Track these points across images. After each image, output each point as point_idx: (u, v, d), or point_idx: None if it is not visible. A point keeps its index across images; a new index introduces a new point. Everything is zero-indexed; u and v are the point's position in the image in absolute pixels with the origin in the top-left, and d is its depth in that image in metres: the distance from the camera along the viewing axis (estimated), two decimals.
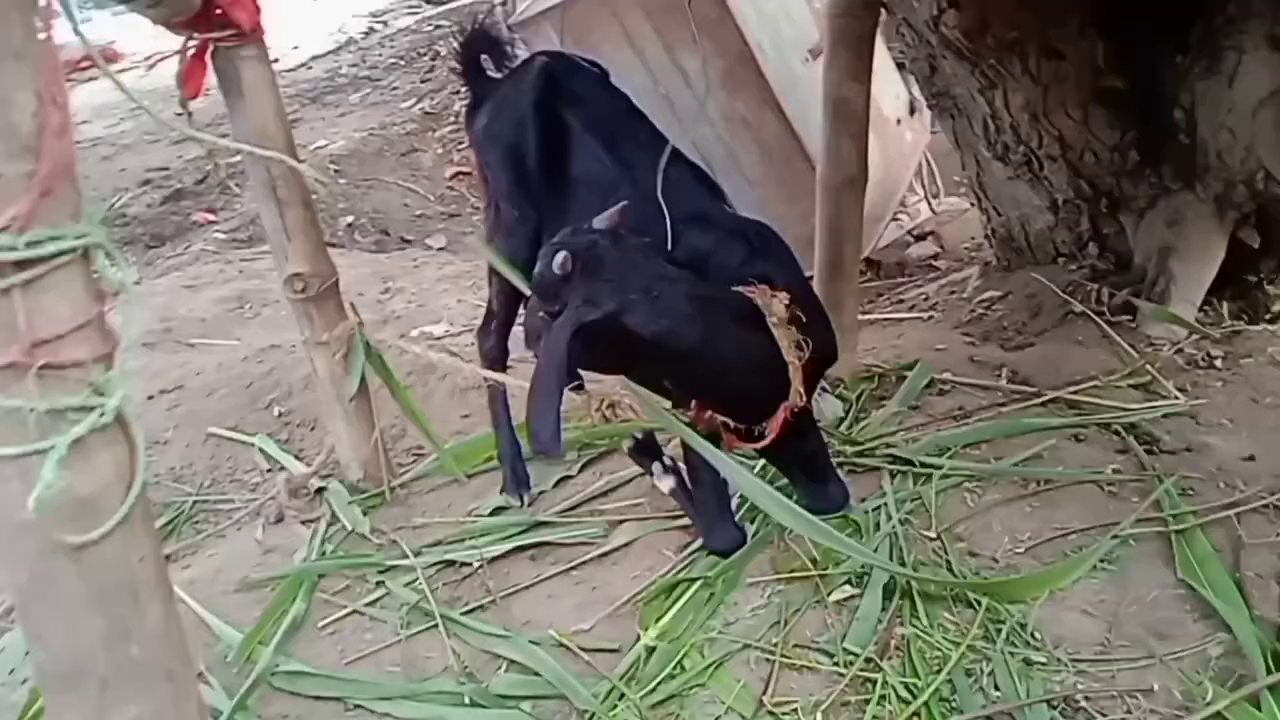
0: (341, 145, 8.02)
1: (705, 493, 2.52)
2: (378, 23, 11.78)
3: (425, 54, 10.28)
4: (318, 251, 2.86)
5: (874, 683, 2.07)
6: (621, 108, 2.81)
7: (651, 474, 2.69)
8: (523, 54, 3.08)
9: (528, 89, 2.72)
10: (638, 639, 2.23)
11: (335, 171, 7.55)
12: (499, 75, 3.00)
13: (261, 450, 3.43)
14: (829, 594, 2.33)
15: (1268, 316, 3.64)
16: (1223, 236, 3.48)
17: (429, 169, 7.94)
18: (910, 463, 2.76)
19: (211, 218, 6.95)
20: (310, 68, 10.33)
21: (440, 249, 6.86)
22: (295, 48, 10.89)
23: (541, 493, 2.92)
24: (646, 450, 2.72)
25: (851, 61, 3.13)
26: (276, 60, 10.57)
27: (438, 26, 10.98)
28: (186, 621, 2.53)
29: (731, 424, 2.36)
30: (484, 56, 3.00)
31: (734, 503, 2.60)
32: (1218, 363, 3.22)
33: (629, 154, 2.62)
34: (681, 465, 2.66)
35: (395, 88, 9.51)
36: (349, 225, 6.98)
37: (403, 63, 10.10)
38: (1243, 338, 3.37)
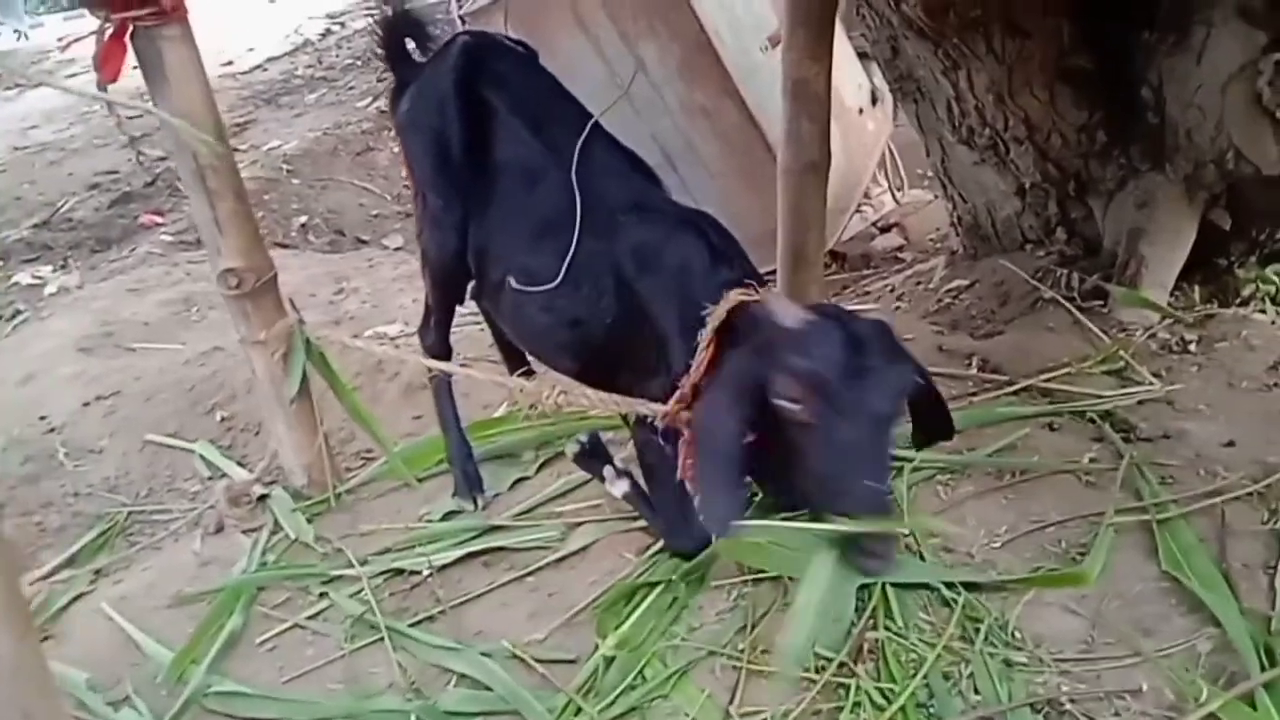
0: (295, 145, 7.84)
1: (664, 493, 2.38)
2: (335, 24, 11.57)
3: (439, 27, 10.11)
4: (253, 245, 2.71)
5: (847, 689, 1.95)
6: (547, 88, 2.69)
7: (603, 479, 2.56)
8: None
9: (448, 71, 2.60)
10: (595, 648, 2.10)
11: (288, 172, 7.39)
12: (424, 59, 2.85)
13: (202, 457, 3.28)
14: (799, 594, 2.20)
15: (1240, 300, 3.57)
16: (1193, 218, 3.39)
17: (385, 168, 7.75)
18: None
19: (159, 220, 6.74)
20: (266, 69, 10.14)
21: (397, 249, 6.68)
22: (251, 50, 10.69)
23: (496, 495, 2.78)
24: (594, 454, 2.60)
25: (810, 41, 3.00)
26: (230, 63, 10.37)
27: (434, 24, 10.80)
28: (115, 641, 2.39)
29: None
30: (408, 41, 2.87)
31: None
32: (1192, 347, 3.13)
33: (556, 137, 2.50)
34: (634, 468, 2.54)
35: (351, 88, 9.32)
36: (302, 225, 6.81)
37: (359, 63, 9.90)
38: (1216, 321, 3.29)
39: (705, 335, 2.08)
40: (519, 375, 2.76)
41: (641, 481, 2.47)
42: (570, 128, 2.49)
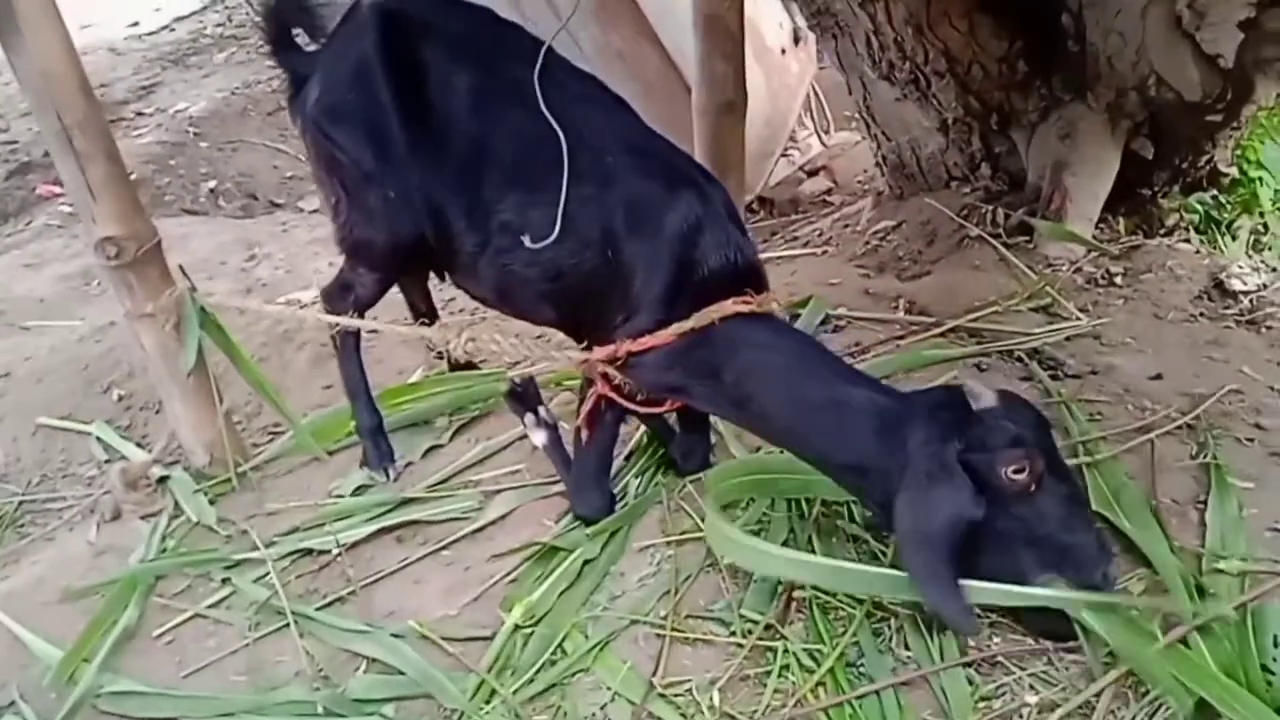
0: (202, 107, 7.52)
1: (584, 454, 2.28)
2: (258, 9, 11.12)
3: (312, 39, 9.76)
4: (131, 211, 2.51)
5: (775, 652, 1.87)
6: (484, 22, 2.36)
7: (524, 424, 2.45)
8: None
9: (364, 39, 2.27)
10: (515, 625, 1.99)
11: (195, 135, 7.08)
12: (317, 46, 2.51)
13: (98, 439, 3.09)
14: (722, 555, 2.11)
15: (1164, 229, 3.54)
16: (1116, 149, 3.34)
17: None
18: None
19: (58, 190, 6.39)
20: (173, 29, 9.68)
21: (313, 211, 6.43)
22: (158, 10, 10.20)
23: (409, 464, 2.65)
24: (522, 398, 2.46)
25: None
26: (137, 24, 9.89)
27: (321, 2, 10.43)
28: (1, 641, 2.23)
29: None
30: (294, 30, 2.52)
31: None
32: (1118, 280, 3.10)
33: (515, 73, 2.18)
34: (563, 424, 2.43)
35: (262, 45, 8.97)
36: (211, 191, 6.54)
37: None
38: (1141, 252, 3.26)
39: (680, 326, 1.99)
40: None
41: (568, 441, 2.36)
42: (524, 59, 2.19)
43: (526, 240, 2.12)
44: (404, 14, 2.32)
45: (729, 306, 1.99)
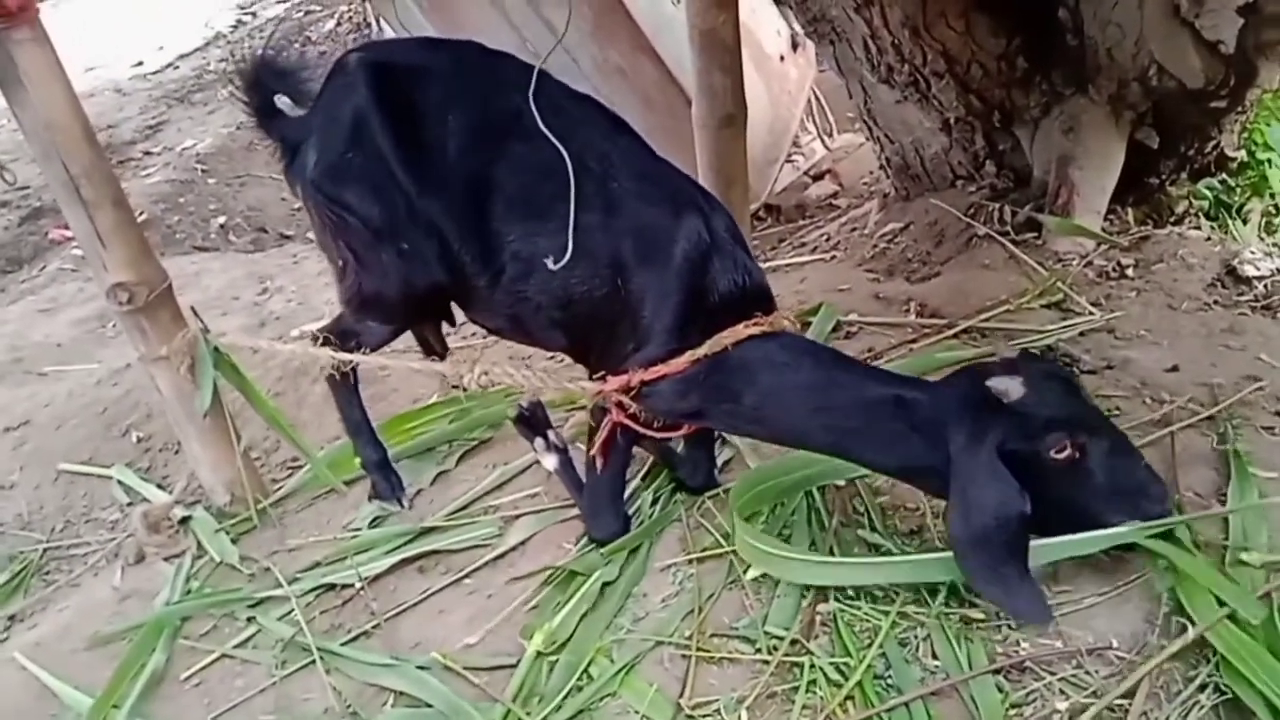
0: (209, 143, 7.57)
1: (597, 477, 2.27)
2: (246, 15, 11.21)
3: (297, 42, 9.82)
4: (141, 256, 2.53)
5: (801, 667, 1.85)
6: (474, 54, 2.32)
7: (535, 449, 2.45)
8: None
9: (355, 94, 2.22)
10: (532, 652, 1.98)
11: (204, 171, 7.14)
12: (303, 111, 2.41)
13: (119, 482, 3.11)
14: (745, 571, 2.10)
15: (1174, 217, 3.52)
16: (1121, 140, 3.32)
17: None
18: None
19: (69, 234, 6.45)
20: (177, 67, 9.80)
21: None
22: (161, 48, 10.32)
23: (419, 492, 2.65)
24: (531, 422, 2.47)
25: None
26: (141, 63, 9.98)
27: (308, 12, 10.51)
28: (30, 691, 2.25)
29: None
30: (278, 97, 2.41)
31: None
32: (1129, 271, 3.08)
33: (512, 103, 2.14)
34: (573, 447, 2.43)
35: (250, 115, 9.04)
36: (221, 226, 6.58)
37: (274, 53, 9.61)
38: (1151, 243, 3.23)
39: (694, 354, 1.99)
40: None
41: (579, 461, 2.37)
42: (517, 88, 2.15)
43: (549, 263, 2.10)
44: (392, 63, 2.29)
45: (741, 331, 2.00)
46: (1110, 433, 1.88)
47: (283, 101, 2.42)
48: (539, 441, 2.44)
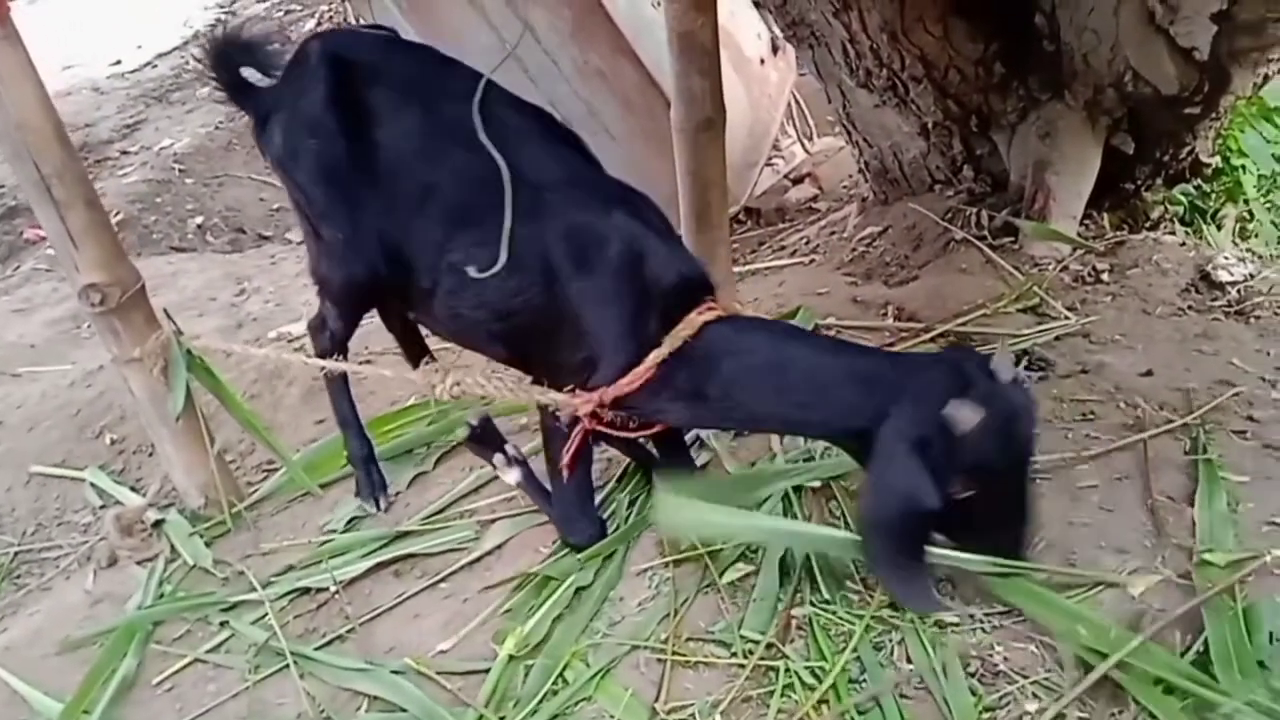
0: (187, 143, 7.52)
1: (562, 484, 2.25)
2: (226, 13, 11.12)
3: (277, 39, 9.77)
4: (114, 257, 2.51)
5: (776, 671, 1.86)
6: (426, 60, 2.42)
7: (494, 466, 2.44)
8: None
9: (313, 83, 2.30)
10: (506, 656, 1.97)
11: (181, 171, 7.08)
12: (272, 81, 2.49)
13: (92, 485, 3.08)
14: (721, 575, 2.11)
15: (1149, 223, 3.54)
16: (1097, 145, 3.34)
17: None
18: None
19: (44, 233, 6.40)
20: (155, 66, 9.69)
21: (300, 242, 6.44)
22: (139, 47, 10.22)
23: (397, 494, 2.64)
24: (485, 440, 2.47)
25: None
26: (119, 62, 9.87)
27: (288, 12, 10.45)
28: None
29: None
30: (244, 70, 2.49)
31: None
32: (1105, 276, 3.09)
33: (456, 112, 2.23)
34: (528, 456, 2.43)
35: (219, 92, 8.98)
36: (199, 226, 6.53)
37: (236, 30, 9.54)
38: (1127, 248, 3.25)
39: (658, 355, 1.98)
40: (424, 364, 2.60)
41: (544, 474, 2.36)
42: (467, 97, 2.24)
43: (471, 271, 2.13)
44: (350, 58, 2.34)
45: (696, 320, 2.00)
46: (1020, 489, 1.88)
47: (250, 74, 2.50)
48: (498, 458, 2.43)
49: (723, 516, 2.05)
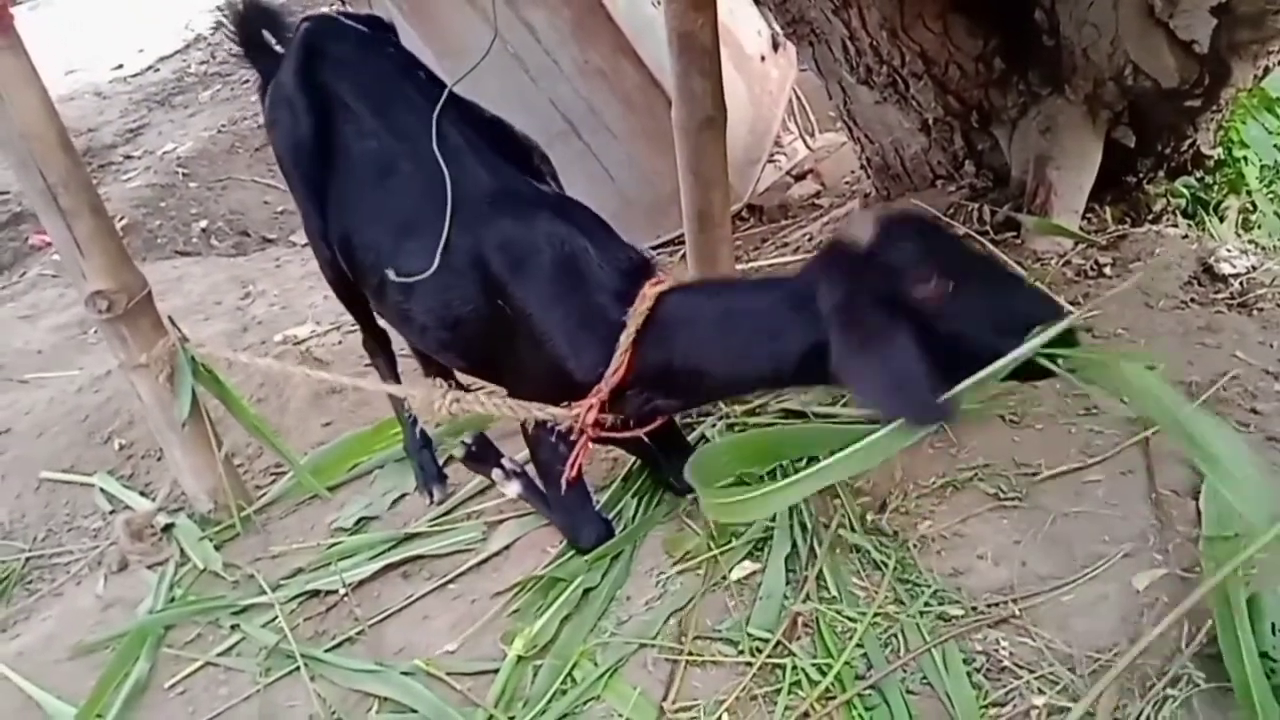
0: (190, 147, 7.53)
1: (560, 489, 2.25)
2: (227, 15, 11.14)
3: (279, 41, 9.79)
4: (120, 263, 2.53)
5: (783, 669, 1.87)
6: (393, 67, 2.43)
7: (493, 481, 2.47)
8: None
9: (289, 62, 2.39)
10: (515, 657, 1.99)
11: (184, 175, 7.10)
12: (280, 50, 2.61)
13: (102, 490, 3.10)
14: (729, 572, 2.12)
15: (1151, 215, 3.54)
16: (1098, 139, 3.34)
17: None
18: (803, 415, 2.56)
19: (49, 239, 6.42)
20: (157, 69, 9.72)
21: (305, 244, 6.45)
22: (141, 50, 10.25)
23: (404, 496, 2.66)
24: (482, 457, 2.49)
25: None
26: (121, 66, 9.86)
27: (290, 14, 10.47)
28: (13, 703, 2.24)
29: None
30: (265, 32, 2.62)
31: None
32: (1107, 270, 3.09)
33: (406, 120, 2.27)
34: (529, 467, 2.43)
35: (246, 81, 8.96)
36: (203, 230, 6.54)
37: None
38: (1129, 241, 3.25)
39: (626, 337, 1.96)
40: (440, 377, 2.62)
41: (537, 479, 2.38)
42: (422, 107, 2.27)
43: (390, 274, 2.18)
44: (323, 49, 2.40)
45: (651, 292, 1.96)
46: (981, 264, 1.78)
47: (267, 36, 2.63)
48: (496, 472, 2.46)
49: (776, 488, 1.79)
